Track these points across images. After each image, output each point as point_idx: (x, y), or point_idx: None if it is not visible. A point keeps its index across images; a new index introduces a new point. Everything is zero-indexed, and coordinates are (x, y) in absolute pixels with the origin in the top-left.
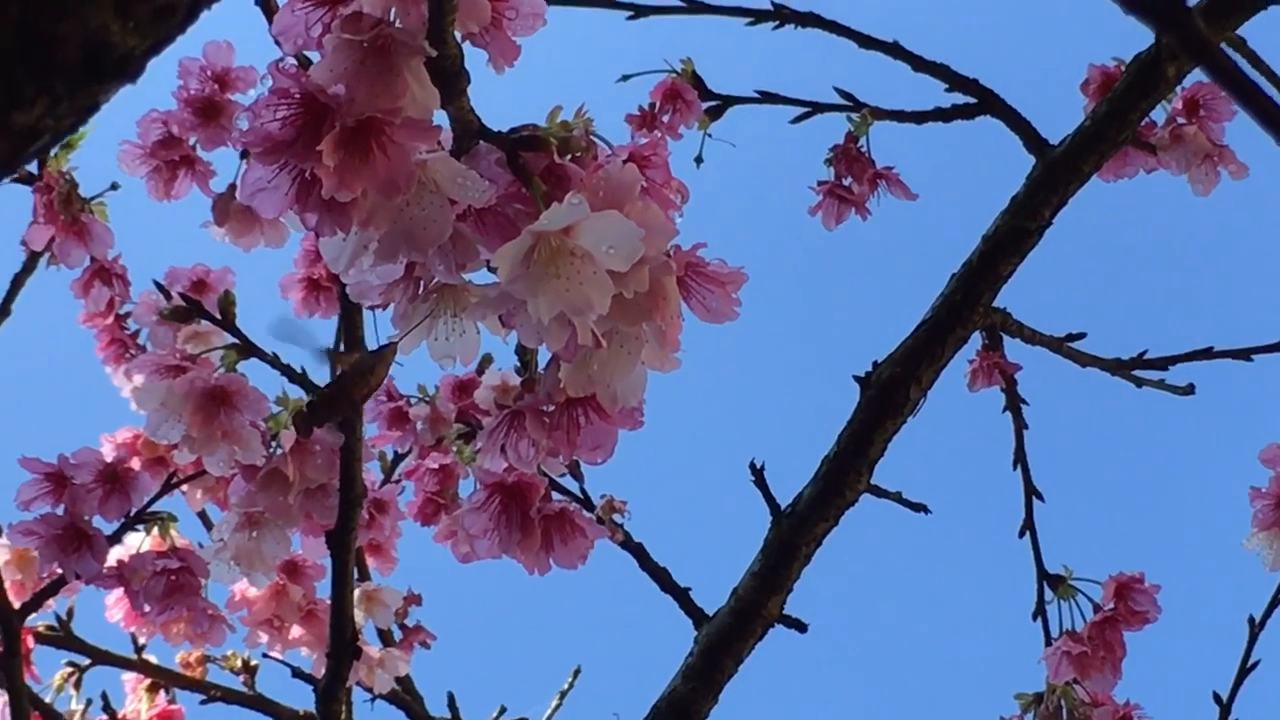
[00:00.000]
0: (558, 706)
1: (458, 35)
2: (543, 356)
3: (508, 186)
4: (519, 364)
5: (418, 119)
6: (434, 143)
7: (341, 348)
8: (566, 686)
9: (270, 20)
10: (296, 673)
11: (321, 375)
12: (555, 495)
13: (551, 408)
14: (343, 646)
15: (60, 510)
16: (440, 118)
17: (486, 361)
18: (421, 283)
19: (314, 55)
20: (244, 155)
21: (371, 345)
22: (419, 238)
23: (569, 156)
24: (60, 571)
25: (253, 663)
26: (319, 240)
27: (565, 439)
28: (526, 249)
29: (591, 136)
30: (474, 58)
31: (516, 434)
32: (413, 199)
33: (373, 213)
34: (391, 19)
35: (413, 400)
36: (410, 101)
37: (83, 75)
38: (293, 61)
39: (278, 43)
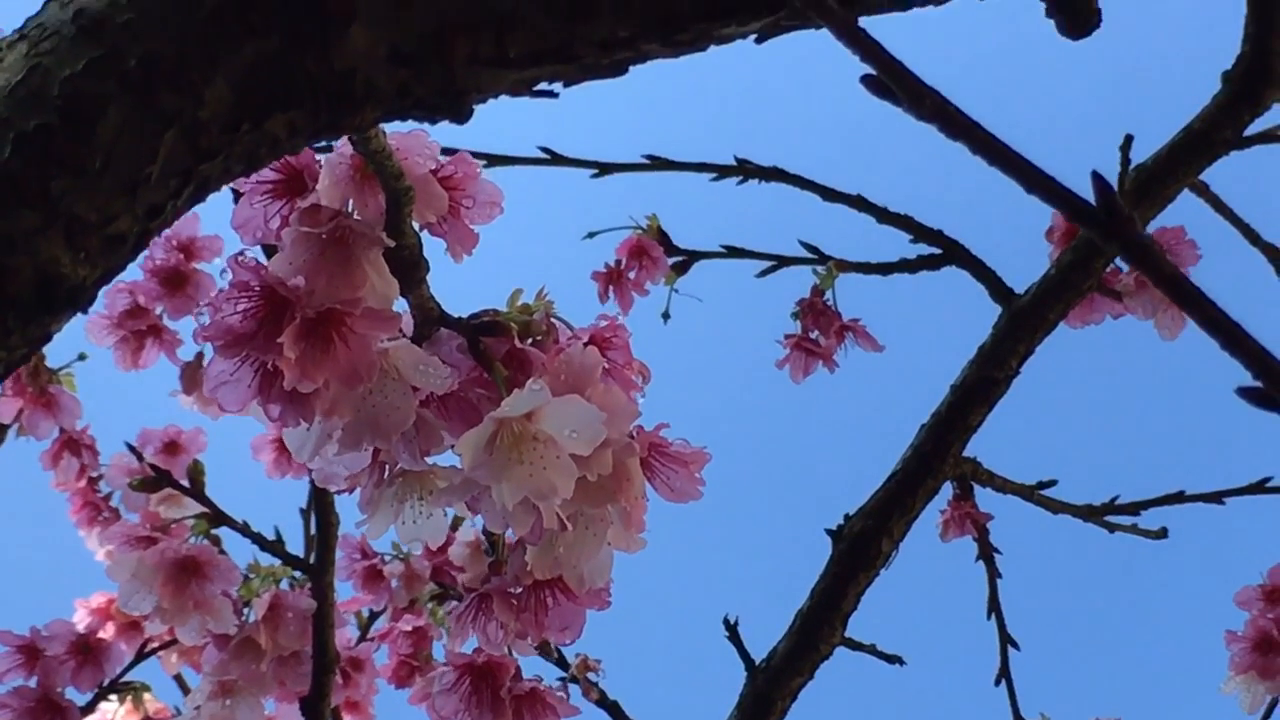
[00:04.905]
0: None
1: (415, 225)
2: (510, 536)
3: (470, 371)
4: (486, 544)
5: (378, 309)
6: (395, 331)
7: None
8: None
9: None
10: None
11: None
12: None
13: (519, 589)
14: None
15: (33, 682)
16: (400, 304)
17: (459, 519)
18: (386, 467)
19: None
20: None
21: (341, 509)
22: (383, 426)
23: (530, 340)
24: None
25: None
26: (283, 431)
27: (533, 620)
28: (489, 435)
29: (553, 319)
30: (434, 240)
31: (485, 616)
32: (375, 387)
33: (335, 402)
34: (349, 210)
35: (387, 558)
36: (370, 292)
37: (34, 307)
38: (253, 254)
39: (238, 234)
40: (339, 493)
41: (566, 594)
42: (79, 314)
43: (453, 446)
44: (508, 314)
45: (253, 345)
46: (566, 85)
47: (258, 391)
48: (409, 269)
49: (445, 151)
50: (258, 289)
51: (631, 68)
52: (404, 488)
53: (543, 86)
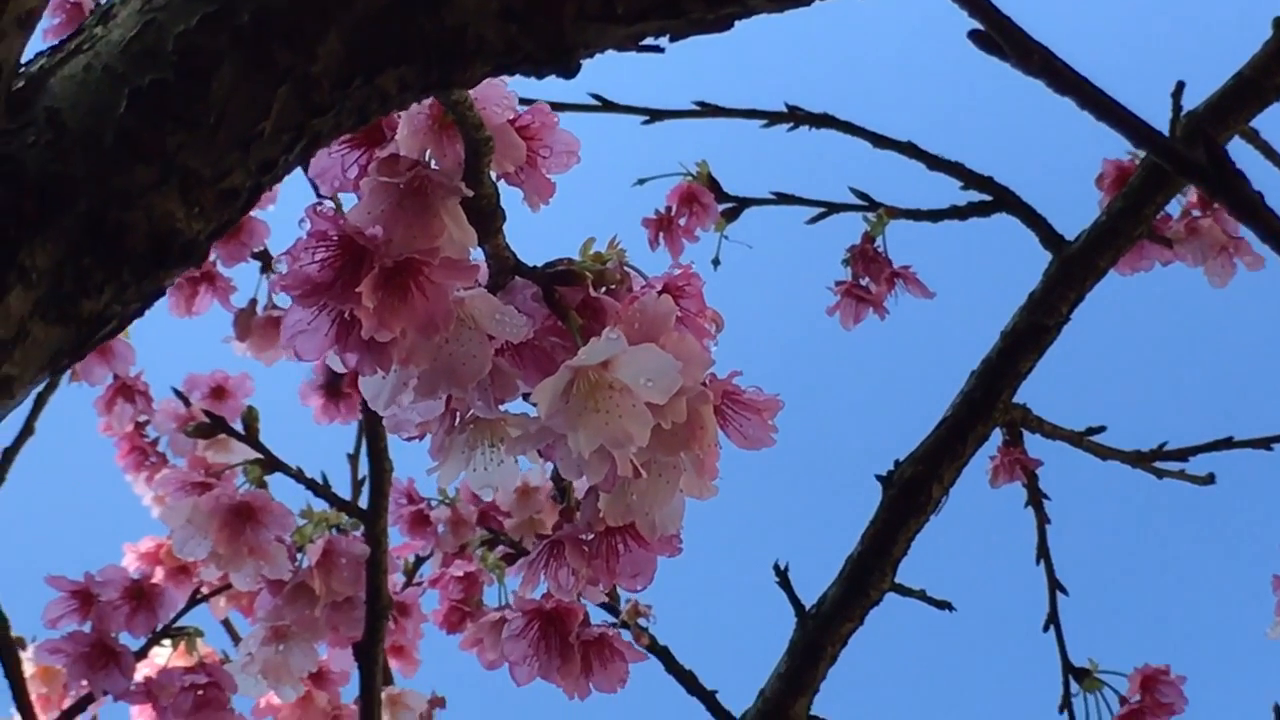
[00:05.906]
0: None
1: (493, 174)
2: (580, 483)
3: (544, 320)
4: (556, 491)
5: (455, 258)
6: (472, 281)
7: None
8: None
9: None
10: None
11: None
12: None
13: (590, 536)
14: None
15: (87, 627)
16: (476, 254)
17: None
18: (458, 414)
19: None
20: (264, 270)
21: (394, 453)
22: (459, 374)
23: (604, 289)
24: (88, 688)
25: None
26: (359, 380)
27: (605, 567)
28: (565, 384)
29: (625, 267)
30: (508, 191)
31: (556, 563)
32: (452, 336)
33: (412, 351)
34: (427, 160)
35: (433, 503)
36: (447, 241)
37: (150, 262)
38: (330, 204)
39: (314, 185)
40: (409, 439)
41: (638, 541)
42: (192, 268)
43: (526, 395)
44: (582, 263)
45: (330, 294)
46: (673, 40)
47: (335, 340)
48: (486, 218)
49: None
50: (336, 238)
51: (736, 22)
52: (475, 435)
53: (649, 41)
